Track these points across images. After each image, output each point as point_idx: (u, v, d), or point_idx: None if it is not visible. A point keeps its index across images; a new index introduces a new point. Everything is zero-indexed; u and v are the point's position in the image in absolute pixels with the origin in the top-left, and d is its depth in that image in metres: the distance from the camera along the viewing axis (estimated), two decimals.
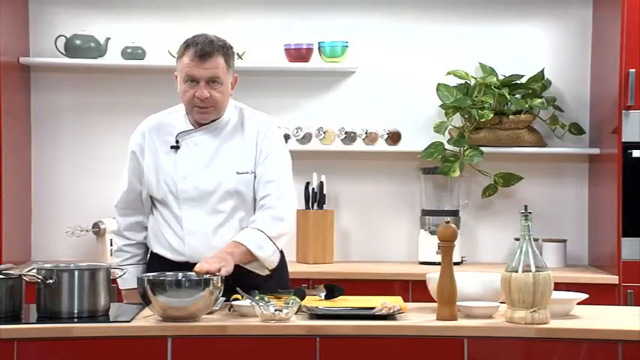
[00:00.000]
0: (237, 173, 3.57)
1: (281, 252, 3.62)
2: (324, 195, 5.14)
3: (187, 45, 3.53)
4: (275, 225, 3.53)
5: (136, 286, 3.26)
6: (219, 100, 3.53)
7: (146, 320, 3.20)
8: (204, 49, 3.48)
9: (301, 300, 3.30)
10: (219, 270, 3.28)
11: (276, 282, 3.58)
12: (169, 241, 3.61)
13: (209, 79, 3.50)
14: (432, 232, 5.04)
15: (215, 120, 3.60)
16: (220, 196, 3.56)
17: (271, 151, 3.61)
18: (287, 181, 3.64)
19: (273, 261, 3.55)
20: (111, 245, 5.05)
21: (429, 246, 5.05)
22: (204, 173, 3.57)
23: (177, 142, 3.61)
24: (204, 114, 3.56)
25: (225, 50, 3.53)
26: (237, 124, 3.63)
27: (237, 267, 3.43)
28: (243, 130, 3.63)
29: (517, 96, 5.12)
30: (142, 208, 3.71)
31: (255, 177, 3.59)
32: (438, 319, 3.22)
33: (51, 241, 5.19)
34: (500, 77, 5.17)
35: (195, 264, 3.36)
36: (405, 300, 3.47)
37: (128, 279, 3.59)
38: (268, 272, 3.56)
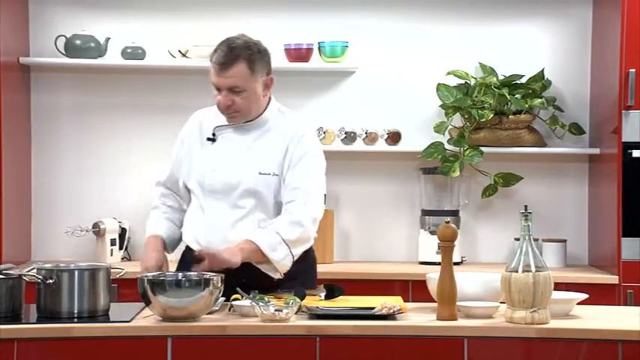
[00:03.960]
0: (260, 174, 3.58)
1: (311, 249, 3.66)
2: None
3: (215, 51, 3.55)
4: (292, 229, 3.51)
5: (161, 233, 3.59)
6: (243, 106, 3.55)
7: (146, 320, 3.20)
8: (224, 58, 3.49)
9: (301, 300, 3.30)
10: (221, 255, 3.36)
11: (302, 282, 3.54)
12: (194, 232, 3.65)
13: (230, 88, 3.51)
14: (432, 232, 5.04)
15: (252, 120, 3.62)
16: (240, 193, 3.58)
17: (303, 158, 3.60)
18: (314, 189, 3.61)
19: (284, 265, 3.52)
20: (112, 245, 5.06)
21: (429, 246, 5.05)
22: (229, 168, 3.60)
23: (213, 134, 3.65)
24: (232, 118, 3.60)
25: (250, 56, 3.52)
26: (274, 125, 3.64)
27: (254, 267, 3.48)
28: (277, 133, 3.63)
29: (517, 96, 5.12)
30: (179, 193, 3.78)
31: (280, 180, 3.58)
32: (438, 319, 3.22)
33: (51, 241, 5.19)
34: (500, 77, 5.17)
35: None
36: (405, 300, 3.48)
37: (156, 226, 3.72)
38: (280, 276, 3.54)
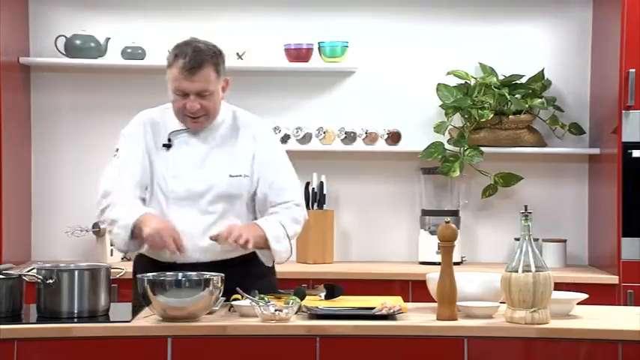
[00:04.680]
0: (230, 176, 3.56)
1: None
2: (324, 195, 5.14)
3: (176, 55, 3.48)
4: (292, 226, 3.59)
5: (143, 211, 3.38)
6: (210, 109, 3.52)
7: (146, 320, 3.20)
8: (193, 62, 3.43)
9: (301, 300, 3.30)
10: (246, 242, 3.37)
11: (266, 285, 3.54)
12: None
13: (198, 93, 3.47)
14: (432, 232, 5.05)
15: None
16: (211, 198, 3.54)
17: (276, 157, 3.63)
18: (298, 187, 3.72)
19: (283, 257, 3.60)
20: (112, 245, 5.05)
21: (429, 246, 5.05)
22: (195, 174, 3.55)
23: (169, 140, 3.59)
24: (196, 123, 3.54)
25: (214, 59, 3.49)
26: (231, 126, 3.62)
27: (231, 265, 3.48)
28: (237, 134, 3.61)
29: (517, 96, 5.12)
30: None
31: (250, 180, 3.58)
32: (438, 319, 3.22)
33: (51, 241, 5.19)
34: (500, 77, 5.17)
35: (182, 264, 3.41)
36: (405, 300, 3.47)
37: (139, 207, 3.49)
38: (271, 264, 3.62)
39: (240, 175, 3.57)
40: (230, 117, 3.64)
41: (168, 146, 3.58)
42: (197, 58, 3.45)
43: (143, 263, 3.61)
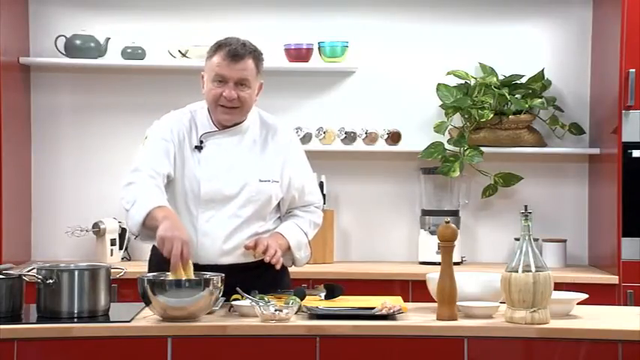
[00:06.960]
0: (260, 181, 3.56)
1: None
2: (324, 195, 5.13)
3: (219, 45, 3.51)
4: (312, 230, 3.72)
5: (164, 204, 3.33)
6: (246, 101, 3.51)
7: (146, 320, 3.20)
8: (237, 50, 3.48)
9: (301, 300, 3.31)
10: (277, 261, 3.47)
11: (284, 287, 3.61)
12: None
13: (238, 81, 3.47)
14: (432, 232, 5.05)
15: (238, 123, 3.58)
16: (242, 202, 3.54)
17: (303, 162, 3.72)
18: (318, 187, 3.85)
19: (303, 263, 3.69)
20: (112, 245, 5.06)
21: (429, 246, 5.05)
22: (228, 177, 3.54)
23: (201, 142, 3.57)
24: (229, 115, 3.52)
25: (256, 54, 3.53)
26: (260, 129, 3.63)
27: (250, 268, 3.51)
28: (266, 138, 3.62)
29: (517, 96, 5.13)
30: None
31: (279, 186, 3.60)
32: (438, 319, 3.22)
33: (51, 241, 5.19)
34: (500, 77, 5.17)
35: (205, 266, 3.38)
36: (405, 300, 3.48)
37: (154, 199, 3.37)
38: (290, 265, 3.69)
39: (269, 181, 3.58)
40: (257, 119, 3.64)
41: (199, 148, 3.56)
42: (241, 48, 3.50)
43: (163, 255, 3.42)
